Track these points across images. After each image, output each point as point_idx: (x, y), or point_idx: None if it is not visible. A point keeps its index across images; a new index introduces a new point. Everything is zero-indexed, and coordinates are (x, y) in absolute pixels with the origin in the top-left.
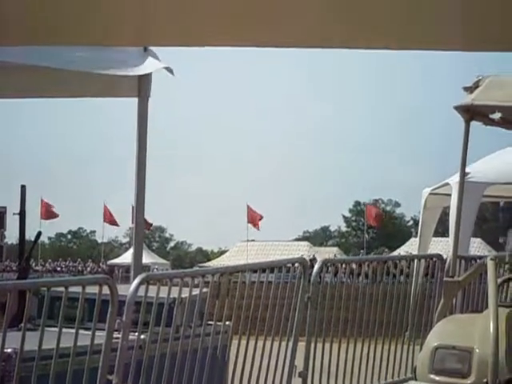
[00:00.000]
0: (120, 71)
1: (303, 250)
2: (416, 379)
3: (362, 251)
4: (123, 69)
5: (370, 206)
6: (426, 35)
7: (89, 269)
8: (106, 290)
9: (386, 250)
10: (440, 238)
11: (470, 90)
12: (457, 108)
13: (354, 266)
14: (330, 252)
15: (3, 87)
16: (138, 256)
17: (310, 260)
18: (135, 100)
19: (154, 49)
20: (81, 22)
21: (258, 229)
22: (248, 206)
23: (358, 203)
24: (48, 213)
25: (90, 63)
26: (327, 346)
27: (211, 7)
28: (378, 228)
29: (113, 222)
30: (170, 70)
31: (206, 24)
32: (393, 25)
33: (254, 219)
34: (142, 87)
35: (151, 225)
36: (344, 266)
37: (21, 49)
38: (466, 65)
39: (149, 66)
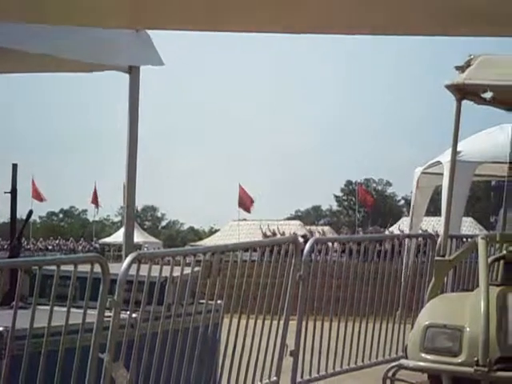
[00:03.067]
0: (110, 60)
1: (295, 229)
2: (407, 358)
3: (359, 229)
4: (114, 58)
5: (363, 189)
6: (415, 21)
7: (80, 247)
8: (97, 268)
9: (383, 229)
10: (432, 218)
11: (461, 69)
12: (448, 87)
13: (345, 244)
14: (320, 231)
15: None
16: (129, 235)
17: (304, 237)
18: (127, 76)
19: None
20: (71, 2)
21: (249, 212)
22: (240, 188)
23: (349, 182)
24: (37, 194)
25: (80, 51)
26: (318, 324)
27: None
28: (364, 206)
29: (95, 203)
30: (159, 61)
31: (200, 8)
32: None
33: (244, 203)
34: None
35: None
36: (335, 244)
37: (9, 30)
38: (458, 44)
39: (140, 57)
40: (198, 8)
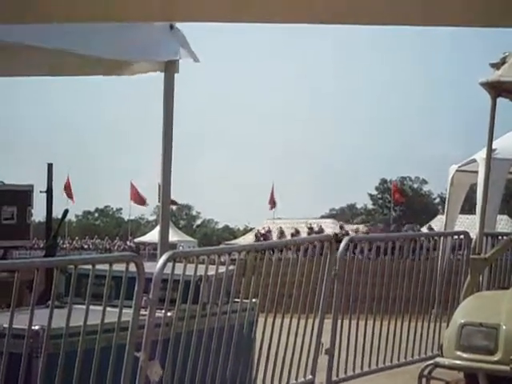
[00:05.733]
0: (144, 57)
1: (329, 227)
2: (443, 356)
3: (394, 225)
4: (148, 55)
5: (395, 187)
6: (451, 11)
7: (116, 246)
8: (132, 267)
9: (418, 226)
10: (467, 215)
11: (496, 66)
12: (483, 84)
13: (380, 242)
14: (356, 229)
15: (28, 65)
16: (164, 234)
17: (336, 236)
18: (161, 76)
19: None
20: None
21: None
22: (272, 187)
23: (384, 181)
24: (70, 194)
25: (114, 49)
26: (354, 322)
27: None
28: (402, 204)
29: (140, 202)
30: (195, 57)
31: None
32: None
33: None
34: (168, 63)
35: (175, 202)
36: (370, 243)
37: (43, 30)
38: (493, 41)
39: (174, 52)
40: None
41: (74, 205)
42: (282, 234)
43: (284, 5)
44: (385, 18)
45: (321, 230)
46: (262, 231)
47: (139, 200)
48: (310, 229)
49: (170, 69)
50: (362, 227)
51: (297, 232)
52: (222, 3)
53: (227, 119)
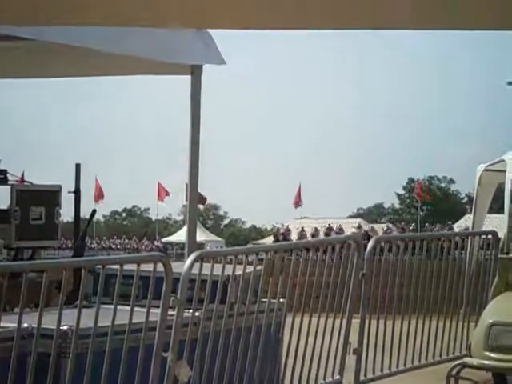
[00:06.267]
0: (172, 59)
1: (356, 227)
2: (471, 356)
3: (426, 225)
4: (175, 56)
5: (420, 186)
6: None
7: (144, 246)
8: (160, 267)
9: (438, 225)
10: (495, 215)
11: None
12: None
13: (408, 242)
14: (384, 228)
15: (55, 67)
16: (192, 233)
17: (366, 234)
18: (189, 77)
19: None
20: (129, 3)
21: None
22: (299, 187)
23: (411, 180)
24: (99, 194)
25: (142, 48)
26: (381, 322)
27: None
28: (430, 204)
29: (162, 197)
30: (221, 60)
31: (259, 7)
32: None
33: (296, 202)
34: (194, 66)
35: (206, 200)
36: (398, 243)
37: (70, 30)
38: None
39: (200, 56)
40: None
41: (102, 205)
42: (302, 233)
43: (312, 11)
44: (408, 23)
45: (341, 230)
46: (282, 231)
47: (163, 195)
48: (330, 229)
49: (196, 71)
50: (390, 226)
51: (316, 231)
52: (251, 11)
53: (254, 119)
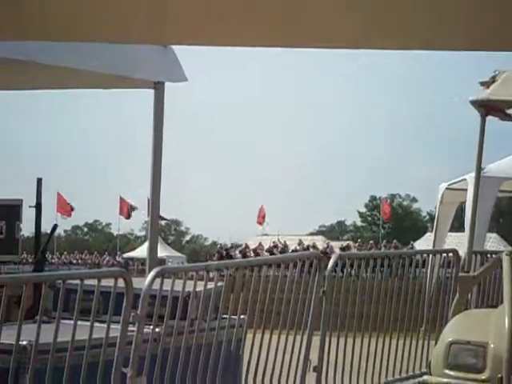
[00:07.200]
0: (135, 75)
1: (318, 245)
2: (431, 374)
3: (383, 242)
4: (137, 72)
5: (384, 201)
6: (434, 35)
7: (105, 261)
8: (121, 282)
9: (395, 243)
10: (456, 233)
11: (486, 84)
12: (473, 102)
13: (369, 260)
14: (346, 245)
15: (17, 79)
16: (153, 249)
17: (325, 253)
18: (151, 92)
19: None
20: (95, 18)
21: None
22: (261, 207)
23: (373, 198)
24: (64, 208)
25: (106, 65)
26: (342, 340)
27: (231, 5)
28: (389, 221)
29: (125, 212)
30: (184, 78)
31: (225, 23)
32: (403, 26)
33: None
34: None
35: (163, 218)
36: (359, 260)
37: (31, 45)
38: (482, 60)
39: (165, 73)
40: (214, 22)
41: (63, 220)
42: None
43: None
44: (383, 43)
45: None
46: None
47: (125, 210)
48: (274, 246)
49: (158, 87)
50: (351, 244)
51: (274, 247)
52: (214, 28)
53: (217, 136)
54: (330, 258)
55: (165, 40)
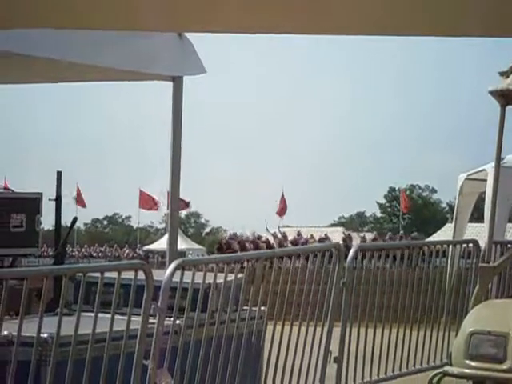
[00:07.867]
0: (154, 69)
1: (337, 236)
2: (451, 365)
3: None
4: (157, 67)
5: (403, 192)
6: (452, 22)
7: (125, 254)
8: (141, 275)
9: (415, 233)
10: (476, 224)
11: (505, 74)
12: (492, 93)
13: (389, 251)
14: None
15: (35, 72)
16: (173, 241)
17: (345, 244)
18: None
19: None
20: (107, 6)
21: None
22: (282, 195)
23: (392, 189)
24: (80, 201)
25: (124, 60)
26: (362, 331)
27: None
28: (408, 213)
29: (150, 206)
30: (202, 70)
31: (241, 10)
32: (420, 12)
33: (281, 210)
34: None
35: (188, 204)
36: (379, 251)
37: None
38: (502, 50)
39: (183, 66)
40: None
41: (83, 212)
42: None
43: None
44: (396, 29)
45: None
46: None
47: (151, 204)
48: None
49: (177, 80)
50: (371, 235)
51: (296, 239)
52: (232, 14)
53: (236, 128)
54: (350, 248)
55: (177, 28)
